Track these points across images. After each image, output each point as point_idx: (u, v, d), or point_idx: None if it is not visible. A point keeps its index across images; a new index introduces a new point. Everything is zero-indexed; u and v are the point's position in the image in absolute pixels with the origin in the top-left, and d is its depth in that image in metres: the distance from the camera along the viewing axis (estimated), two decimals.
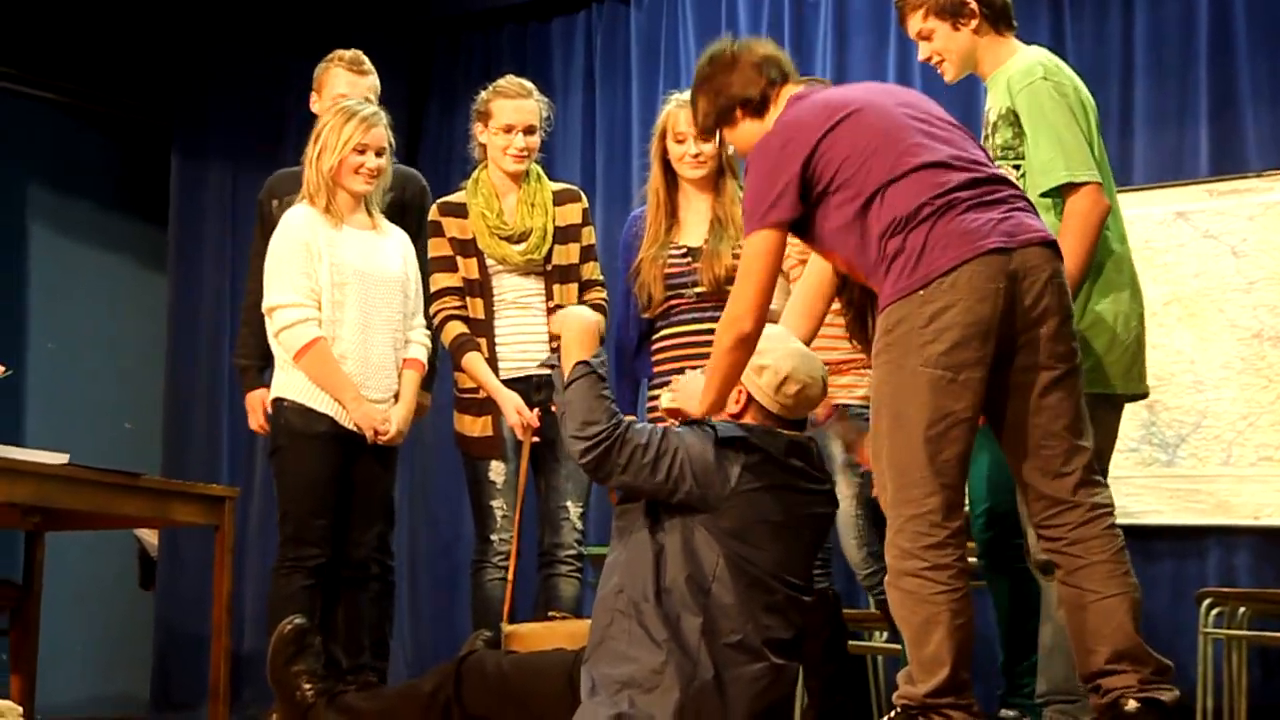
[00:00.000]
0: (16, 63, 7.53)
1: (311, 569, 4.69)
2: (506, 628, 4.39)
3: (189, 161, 7.74)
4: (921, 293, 3.35)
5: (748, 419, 3.85)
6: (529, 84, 5.13)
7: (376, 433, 4.74)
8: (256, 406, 5.21)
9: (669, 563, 3.71)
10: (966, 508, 3.96)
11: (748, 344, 3.63)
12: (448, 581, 7.19)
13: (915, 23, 4.07)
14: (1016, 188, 3.57)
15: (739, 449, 3.75)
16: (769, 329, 3.85)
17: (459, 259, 5.01)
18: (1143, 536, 6.07)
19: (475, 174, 5.14)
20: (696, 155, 4.87)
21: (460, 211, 5.05)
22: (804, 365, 3.87)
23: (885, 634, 5.65)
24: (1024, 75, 3.93)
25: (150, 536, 7.22)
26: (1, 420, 5.18)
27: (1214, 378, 5.94)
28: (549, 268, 5.02)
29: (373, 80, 5.27)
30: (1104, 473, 3.72)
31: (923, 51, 4.12)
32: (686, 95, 4.95)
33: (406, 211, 5.15)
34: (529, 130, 5.04)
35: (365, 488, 4.84)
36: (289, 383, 4.74)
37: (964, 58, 4.07)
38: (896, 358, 3.39)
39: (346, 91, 5.15)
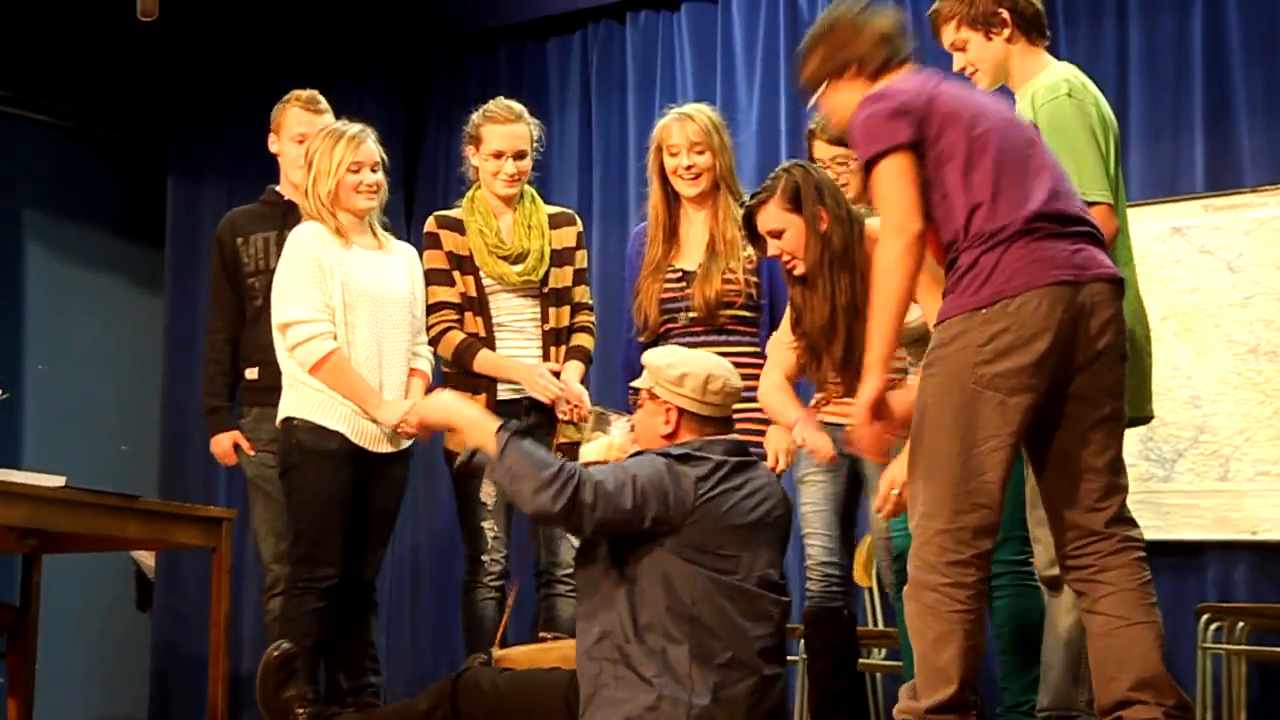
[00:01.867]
0: (12, 85, 7.53)
1: (324, 590, 4.67)
2: (498, 652, 4.38)
3: (185, 183, 7.74)
4: (984, 312, 3.35)
5: (683, 436, 3.90)
6: (518, 107, 5.13)
7: (402, 427, 4.74)
8: (228, 449, 5.27)
9: (644, 599, 3.73)
10: None
11: (920, 244, 3.46)
12: (448, 599, 7.18)
13: (949, 34, 4.12)
14: (1092, 223, 3.55)
15: (688, 462, 3.81)
16: (656, 350, 4.05)
17: (455, 274, 5.01)
18: None
19: (471, 193, 5.14)
20: (690, 167, 4.86)
21: (458, 227, 5.05)
22: (715, 362, 4.02)
23: (884, 652, 5.65)
24: (1049, 91, 3.96)
25: (147, 558, 7.20)
26: None
27: (1211, 393, 5.93)
28: (545, 290, 5.02)
29: (328, 119, 5.29)
30: None
31: (957, 62, 4.17)
32: (684, 108, 4.98)
33: None
34: (519, 155, 5.04)
35: (377, 506, 4.83)
36: (299, 402, 4.73)
37: (997, 67, 4.12)
38: (948, 371, 3.38)
39: (306, 130, 5.22)
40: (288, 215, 5.22)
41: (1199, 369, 5.96)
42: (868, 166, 3.50)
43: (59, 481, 4.96)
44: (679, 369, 3.95)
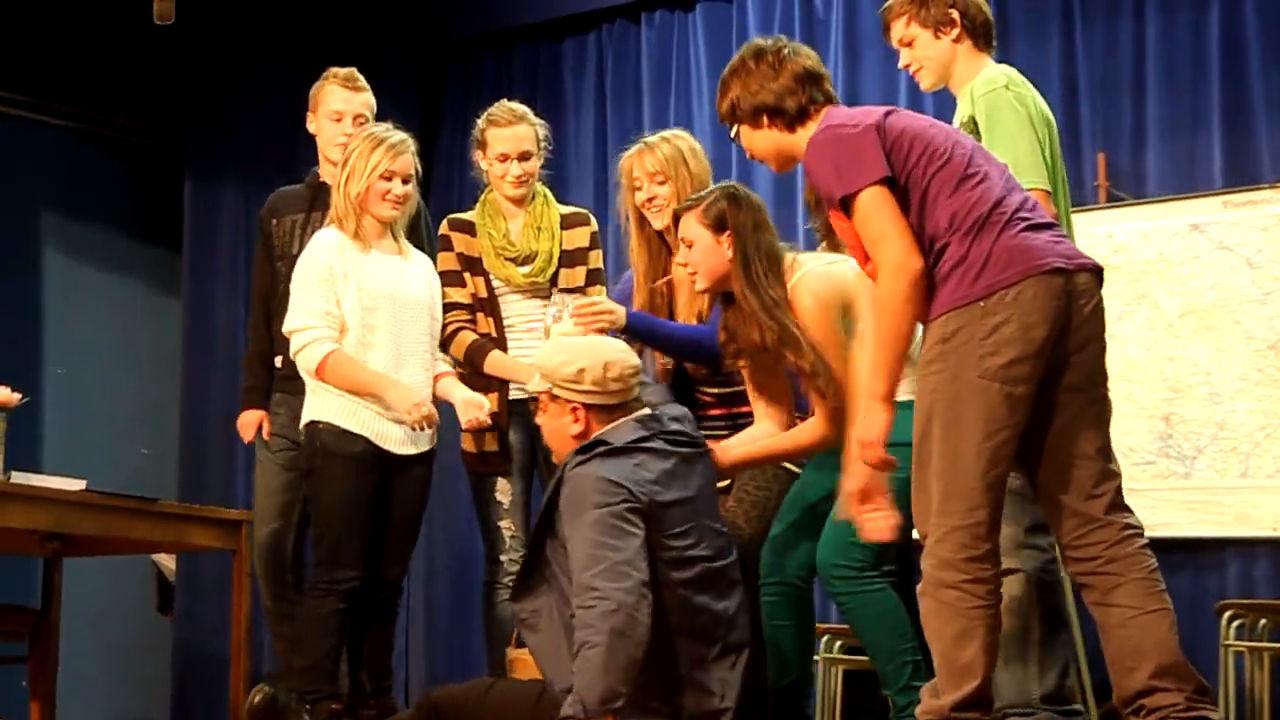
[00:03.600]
0: (28, 89, 7.55)
1: (345, 592, 4.67)
2: (511, 652, 4.38)
3: (202, 185, 7.76)
4: (983, 304, 3.33)
5: (594, 430, 3.89)
6: (521, 108, 5.13)
7: (422, 421, 4.72)
8: (251, 423, 5.38)
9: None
10: None
11: (923, 280, 3.42)
12: (465, 601, 7.18)
13: (898, 29, 4.18)
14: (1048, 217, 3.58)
15: (617, 455, 3.77)
16: (544, 349, 4.05)
17: (466, 275, 5.02)
18: (1161, 549, 5.97)
19: (483, 195, 5.16)
20: (651, 199, 4.67)
21: (468, 229, 5.07)
22: (607, 346, 4.00)
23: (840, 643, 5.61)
24: (987, 84, 4.06)
25: (168, 561, 7.22)
26: (18, 447, 5.18)
27: (1231, 389, 5.92)
28: (554, 291, 5.02)
29: (367, 97, 5.33)
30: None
31: (903, 58, 4.23)
32: (649, 137, 4.84)
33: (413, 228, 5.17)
34: (523, 156, 5.05)
35: (401, 508, 4.82)
36: (321, 405, 4.73)
37: (942, 66, 4.19)
38: (953, 366, 3.36)
39: (342, 109, 5.24)
40: (316, 198, 5.24)
41: (1218, 365, 5.94)
42: (844, 203, 3.47)
43: (79, 485, 4.97)
44: (574, 365, 3.89)
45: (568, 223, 5.14)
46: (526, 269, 5.02)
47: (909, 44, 4.20)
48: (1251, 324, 5.89)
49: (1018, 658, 3.81)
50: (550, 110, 5.19)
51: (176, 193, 7.81)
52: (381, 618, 4.85)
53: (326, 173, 5.27)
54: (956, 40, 4.15)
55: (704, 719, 3.77)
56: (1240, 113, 6.08)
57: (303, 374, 4.79)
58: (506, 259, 5.01)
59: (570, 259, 5.08)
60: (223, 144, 7.76)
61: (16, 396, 5.05)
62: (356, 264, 4.76)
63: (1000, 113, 3.95)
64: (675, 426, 3.94)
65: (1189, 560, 5.96)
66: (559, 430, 3.96)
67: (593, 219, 5.29)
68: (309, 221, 5.15)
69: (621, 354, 3.97)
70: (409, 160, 4.85)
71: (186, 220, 7.75)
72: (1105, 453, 3.49)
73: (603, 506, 3.70)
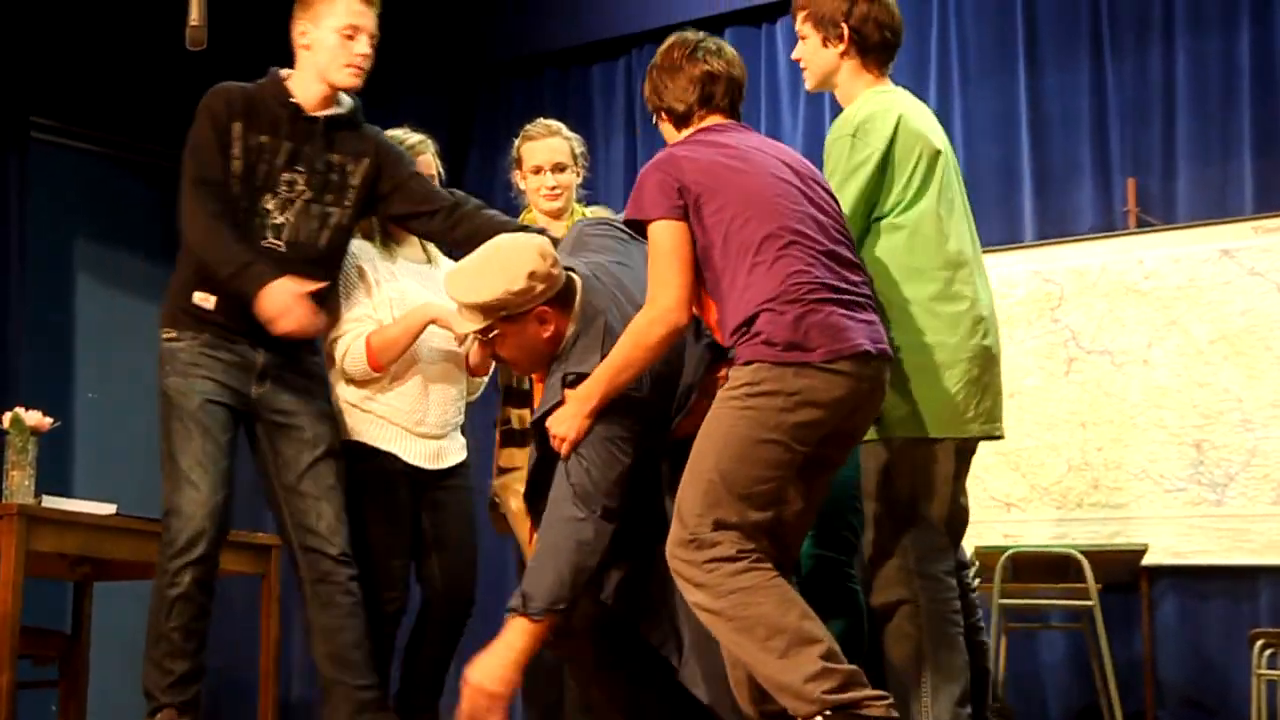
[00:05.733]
0: (60, 114, 7.59)
1: (390, 614, 4.63)
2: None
3: None
4: (793, 369, 3.37)
5: (562, 326, 3.72)
6: (555, 124, 5.15)
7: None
8: (296, 291, 4.23)
9: None
10: None
11: (677, 336, 3.57)
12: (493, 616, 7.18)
13: (797, 23, 4.10)
14: (869, 284, 3.61)
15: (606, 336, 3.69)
16: (454, 288, 3.76)
17: None
18: (1193, 577, 6.03)
19: (521, 216, 5.17)
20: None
21: None
22: (510, 243, 3.79)
23: None
24: (839, 125, 3.93)
25: None
26: (50, 471, 5.20)
27: (1262, 415, 5.90)
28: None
29: (377, 13, 4.49)
30: (914, 513, 3.75)
31: (796, 50, 4.14)
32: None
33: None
34: (558, 168, 5.05)
35: (443, 523, 4.76)
36: (353, 427, 4.66)
37: (824, 74, 4.08)
38: (752, 412, 3.38)
39: (357, 23, 4.40)
40: (295, 128, 4.47)
41: (1250, 392, 5.92)
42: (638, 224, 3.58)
43: (110, 509, 4.98)
44: (511, 276, 3.65)
45: None
46: None
47: (803, 39, 4.09)
48: None
49: (911, 688, 3.77)
50: (580, 135, 5.18)
51: None
52: (446, 634, 4.76)
53: (305, 89, 4.47)
54: (843, 55, 4.01)
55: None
56: (1270, 138, 6.07)
57: (338, 390, 4.66)
58: None
59: None
60: None
61: (48, 421, 5.07)
62: (388, 271, 4.71)
63: (835, 160, 3.89)
64: (614, 266, 3.87)
65: (1221, 588, 5.93)
66: (526, 344, 3.75)
67: None
68: (294, 157, 4.39)
69: (535, 244, 3.75)
70: (429, 161, 4.75)
71: None
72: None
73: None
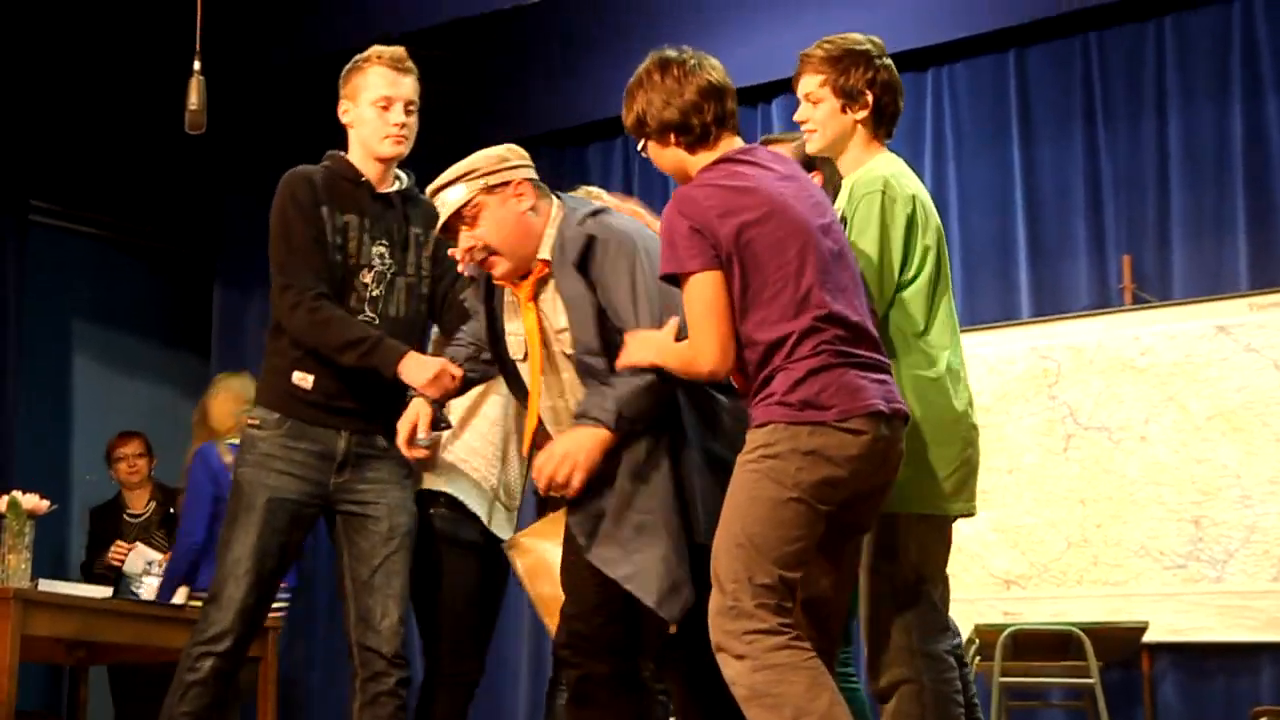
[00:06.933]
0: (59, 198, 7.64)
1: (468, 685, 4.54)
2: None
3: (231, 292, 7.81)
4: (807, 428, 3.36)
5: (539, 204, 3.82)
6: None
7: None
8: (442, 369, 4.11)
9: None
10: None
11: (715, 379, 3.56)
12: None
13: (808, 84, 3.98)
14: (880, 346, 3.58)
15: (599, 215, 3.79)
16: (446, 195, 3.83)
17: None
18: (1194, 654, 6.01)
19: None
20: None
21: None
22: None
23: None
24: (866, 184, 3.88)
25: None
26: (47, 554, 5.20)
27: (1261, 491, 5.89)
28: None
29: (415, 81, 4.51)
30: (918, 591, 3.70)
31: (801, 112, 4.06)
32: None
33: None
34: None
35: (495, 591, 4.69)
36: (439, 478, 4.55)
37: (837, 140, 4.00)
38: (771, 474, 3.36)
39: (390, 94, 4.39)
40: (365, 198, 4.52)
41: (1248, 468, 5.92)
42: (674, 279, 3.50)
43: (106, 593, 4.96)
44: (484, 155, 3.83)
45: None
46: None
47: (815, 102, 3.98)
48: None
49: None
50: None
51: (206, 300, 7.86)
52: (466, 700, 4.71)
53: (363, 166, 4.49)
54: (861, 122, 3.95)
55: None
56: (1264, 213, 6.10)
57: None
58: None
59: None
60: (253, 252, 7.80)
61: (45, 504, 5.06)
62: None
63: (866, 217, 3.81)
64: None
65: (1222, 665, 5.90)
66: (507, 221, 3.75)
67: None
68: (379, 232, 4.43)
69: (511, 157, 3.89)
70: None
71: (215, 327, 7.80)
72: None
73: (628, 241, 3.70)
